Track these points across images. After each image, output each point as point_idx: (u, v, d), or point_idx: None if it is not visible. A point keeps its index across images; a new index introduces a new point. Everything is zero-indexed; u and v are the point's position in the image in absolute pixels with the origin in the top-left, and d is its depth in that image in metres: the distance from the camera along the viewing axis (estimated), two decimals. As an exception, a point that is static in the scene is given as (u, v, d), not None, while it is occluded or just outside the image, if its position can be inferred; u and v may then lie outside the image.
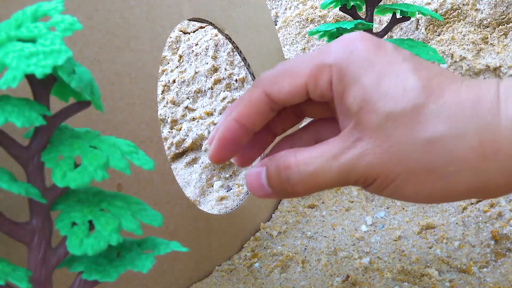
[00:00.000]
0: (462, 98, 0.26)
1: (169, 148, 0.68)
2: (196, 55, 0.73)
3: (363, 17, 0.55)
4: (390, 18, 0.55)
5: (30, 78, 0.21)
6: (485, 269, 0.39)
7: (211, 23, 0.43)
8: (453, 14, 0.63)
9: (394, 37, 0.66)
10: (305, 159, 0.27)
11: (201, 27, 0.75)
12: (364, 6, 0.55)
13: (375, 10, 0.55)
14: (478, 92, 0.26)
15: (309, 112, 0.32)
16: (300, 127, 0.33)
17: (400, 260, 0.40)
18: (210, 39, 0.72)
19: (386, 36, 0.63)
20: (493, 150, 0.25)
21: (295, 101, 0.28)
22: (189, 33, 0.76)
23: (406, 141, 0.26)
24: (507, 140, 0.25)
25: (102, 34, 0.32)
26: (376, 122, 0.26)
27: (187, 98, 0.72)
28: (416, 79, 0.26)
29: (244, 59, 0.47)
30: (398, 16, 0.55)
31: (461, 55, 0.59)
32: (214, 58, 0.71)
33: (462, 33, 0.62)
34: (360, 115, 0.26)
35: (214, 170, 0.63)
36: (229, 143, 0.29)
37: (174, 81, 0.73)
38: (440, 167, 0.26)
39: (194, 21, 0.42)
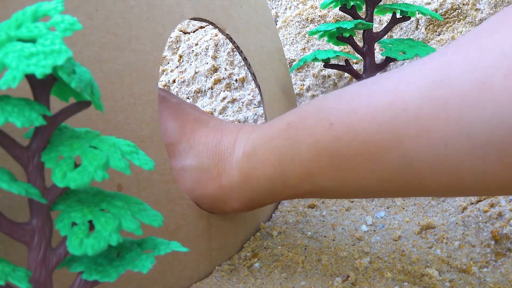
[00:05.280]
0: (209, 139, 0.33)
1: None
2: (196, 55, 0.73)
3: (363, 17, 0.55)
4: (390, 18, 0.55)
5: (30, 78, 0.21)
6: (485, 269, 0.39)
7: (212, 23, 0.43)
8: (453, 14, 0.63)
9: (394, 37, 0.66)
10: None
11: (201, 27, 0.75)
12: (364, 6, 0.55)
13: (375, 10, 0.55)
14: (222, 136, 0.34)
15: None
16: None
17: (400, 260, 0.40)
18: (210, 39, 0.72)
19: (386, 36, 0.63)
20: (228, 181, 0.33)
21: None
22: (189, 33, 0.76)
23: (174, 167, 0.35)
24: (237, 172, 0.33)
25: (102, 34, 0.32)
26: None
27: (187, 98, 0.72)
28: (173, 123, 0.35)
29: (245, 59, 0.47)
30: (398, 16, 0.55)
31: (461, 55, 0.59)
32: (214, 58, 0.71)
33: (462, 33, 0.62)
34: None
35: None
36: None
37: (174, 81, 0.73)
38: (189, 190, 0.35)
39: (195, 20, 0.42)
